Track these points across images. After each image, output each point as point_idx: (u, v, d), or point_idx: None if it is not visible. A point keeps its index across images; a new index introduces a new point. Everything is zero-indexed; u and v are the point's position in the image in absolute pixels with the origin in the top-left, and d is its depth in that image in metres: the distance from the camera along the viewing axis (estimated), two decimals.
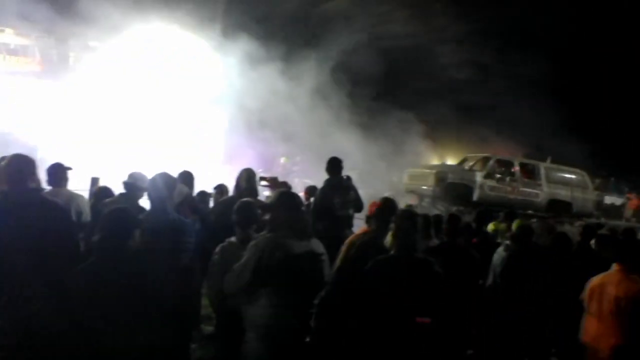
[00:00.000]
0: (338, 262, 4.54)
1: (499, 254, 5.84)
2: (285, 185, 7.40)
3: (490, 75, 24.12)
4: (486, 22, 23.23)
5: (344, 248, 4.66)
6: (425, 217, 6.33)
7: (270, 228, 3.73)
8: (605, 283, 4.60)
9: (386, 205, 4.68)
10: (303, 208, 3.91)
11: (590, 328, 4.67)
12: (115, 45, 15.63)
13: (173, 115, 15.98)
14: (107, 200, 5.58)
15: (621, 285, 4.48)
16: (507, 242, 6.00)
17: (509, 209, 14.20)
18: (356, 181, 7.44)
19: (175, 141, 15.40)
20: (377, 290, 3.78)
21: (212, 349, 4.90)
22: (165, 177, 4.36)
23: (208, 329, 5.78)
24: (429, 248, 5.49)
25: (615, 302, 4.45)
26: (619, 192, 26.60)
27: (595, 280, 4.73)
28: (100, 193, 6.09)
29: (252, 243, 3.67)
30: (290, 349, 3.58)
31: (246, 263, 3.55)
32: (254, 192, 5.72)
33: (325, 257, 3.88)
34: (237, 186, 5.87)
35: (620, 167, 28.41)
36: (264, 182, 6.29)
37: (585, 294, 4.75)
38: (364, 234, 4.79)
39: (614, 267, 4.66)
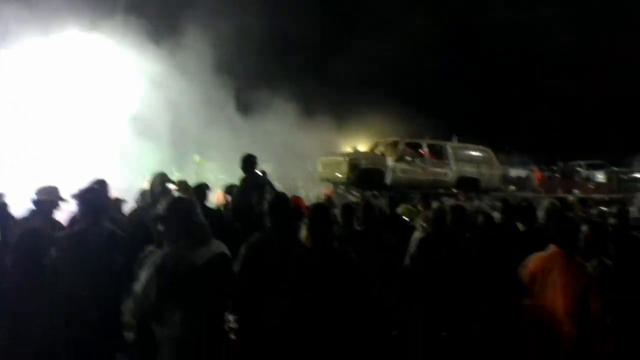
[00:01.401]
0: (240, 261, 4.34)
1: (415, 236, 6.03)
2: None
3: (388, 59, 24.90)
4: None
5: (243, 247, 4.47)
6: (346, 206, 6.53)
7: (167, 240, 3.58)
8: (548, 267, 4.53)
9: (279, 202, 4.60)
10: (198, 211, 3.71)
11: (535, 311, 4.57)
12: (18, 51, 14.96)
13: (76, 122, 15.43)
14: (20, 218, 5.40)
15: (568, 271, 4.45)
16: (423, 224, 6.20)
17: (421, 190, 14.93)
18: (271, 174, 7.53)
19: (81, 148, 14.88)
20: (297, 283, 3.79)
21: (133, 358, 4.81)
22: (99, 186, 4.25)
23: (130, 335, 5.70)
24: (346, 236, 5.62)
25: (563, 288, 4.39)
26: (522, 165, 28.19)
27: (535, 263, 4.66)
28: None
29: (148, 261, 3.54)
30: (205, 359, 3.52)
31: (147, 284, 3.39)
32: (169, 196, 5.69)
33: (230, 259, 3.81)
34: (151, 191, 5.82)
35: (521, 141, 30.17)
36: (172, 186, 6.10)
37: (524, 275, 4.67)
38: (258, 231, 4.67)
39: (552, 248, 4.62)
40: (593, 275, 4.47)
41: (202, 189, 6.50)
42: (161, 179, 5.81)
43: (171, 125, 16.48)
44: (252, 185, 7.10)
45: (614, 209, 8.44)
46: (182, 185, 6.52)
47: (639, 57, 29.00)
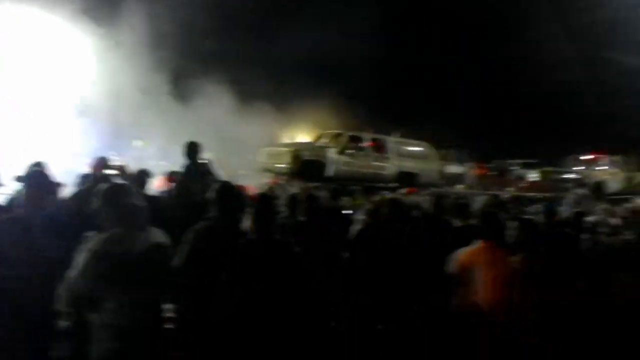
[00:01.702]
0: (182, 250, 4.27)
1: (355, 228, 6.21)
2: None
3: (337, 52, 25.07)
4: None
5: (187, 235, 4.38)
6: (292, 196, 6.60)
7: (103, 226, 3.59)
8: (476, 261, 4.72)
9: (225, 190, 4.56)
10: (134, 197, 3.73)
11: (468, 303, 4.72)
12: None
13: (11, 102, 14.87)
14: None
15: (495, 264, 4.64)
16: (363, 216, 6.40)
17: (362, 183, 15.17)
18: (213, 163, 7.49)
19: (17, 129, 14.35)
20: (240, 274, 3.86)
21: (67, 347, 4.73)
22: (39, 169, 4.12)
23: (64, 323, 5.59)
24: (290, 227, 5.76)
25: (492, 280, 4.58)
26: (460, 162, 28.96)
27: (465, 257, 4.84)
28: None
29: (85, 247, 3.52)
30: (144, 347, 3.52)
31: (83, 270, 3.39)
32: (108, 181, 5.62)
33: (169, 247, 3.83)
34: (93, 174, 5.74)
35: (461, 139, 31.00)
36: (112, 171, 6.07)
37: (454, 269, 4.84)
38: (202, 221, 4.61)
39: (480, 243, 4.83)
40: (518, 269, 4.71)
41: (142, 175, 6.43)
42: (101, 164, 5.70)
43: (112, 109, 16.10)
44: (195, 173, 7.08)
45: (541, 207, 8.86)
46: (122, 170, 6.45)
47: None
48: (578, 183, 18.40)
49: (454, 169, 28.18)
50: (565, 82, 30.44)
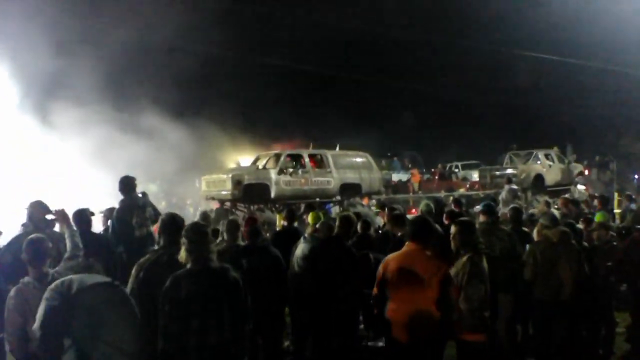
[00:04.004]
0: (129, 285, 4.47)
1: (301, 245, 6.53)
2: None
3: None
4: None
5: (133, 270, 4.55)
6: (231, 221, 6.87)
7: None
8: (406, 264, 4.84)
9: (170, 221, 4.69)
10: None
11: (398, 307, 4.85)
12: None
13: None
14: None
15: (428, 265, 4.80)
16: (306, 235, 6.70)
17: (306, 200, 15.63)
18: (158, 192, 7.67)
19: None
20: (179, 305, 3.94)
21: None
22: None
23: None
24: (234, 250, 6.12)
25: (425, 281, 4.72)
26: (404, 170, 29.95)
27: (394, 260, 4.95)
28: None
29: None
30: None
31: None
32: (49, 224, 5.86)
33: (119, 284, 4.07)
34: (30, 219, 5.87)
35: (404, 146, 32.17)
36: (50, 216, 5.90)
37: (386, 273, 4.92)
38: (151, 252, 4.77)
39: (410, 245, 4.96)
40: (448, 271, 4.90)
41: (82, 215, 6.46)
42: (40, 207, 5.86)
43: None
44: (131, 207, 7.23)
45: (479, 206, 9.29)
46: (60, 214, 6.29)
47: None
48: (509, 178, 19.32)
49: (398, 176, 29.19)
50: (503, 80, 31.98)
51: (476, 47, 31.28)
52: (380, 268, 5.03)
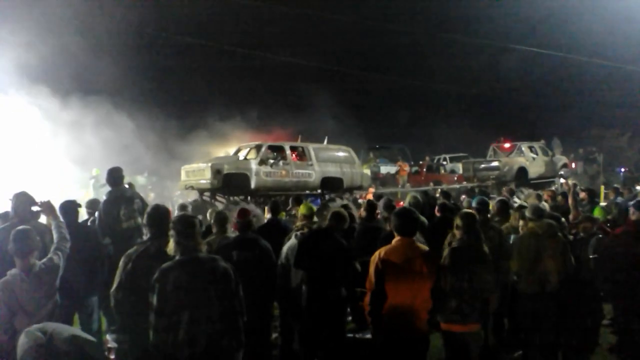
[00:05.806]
0: (117, 277, 4.56)
1: (291, 239, 6.52)
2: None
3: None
4: None
5: (121, 262, 4.64)
6: (219, 212, 6.98)
7: None
8: (404, 258, 4.93)
9: (157, 213, 4.78)
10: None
11: (397, 301, 4.93)
12: None
13: None
14: None
15: (424, 257, 4.95)
16: (297, 230, 6.75)
17: (286, 192, 15.77)
18: (145, 184, 7.75)
19: None
20: (168, 297, 4.03)
21: None
22: None
23: None
24: (224, 244, 6.18)
25: (421, 274, 4.87)
26: (393, 162, 30.30)
27: (389, 254, 5.00)
28: None
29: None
30: None
31: None
32: (34, 216, 5.90)
33: None
34: (15, 211, 5.86)
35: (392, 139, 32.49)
36: (35, 207, 5.95)
37: (383, 268, 4.96)
38: (139, 244, 4.85)
39: (401, 240, 5.06)
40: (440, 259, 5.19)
41: (68, 207, 6.46)
42: (25, 199, 5.90)
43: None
44: (118, 199, 7.31)
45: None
46: (46, 205, 6.30)
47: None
48: (492, 171, 19.66)
49: (386, 169, 29.51)
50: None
51: (464, 40, 31.68)
52: (376, 263, 5.05)
